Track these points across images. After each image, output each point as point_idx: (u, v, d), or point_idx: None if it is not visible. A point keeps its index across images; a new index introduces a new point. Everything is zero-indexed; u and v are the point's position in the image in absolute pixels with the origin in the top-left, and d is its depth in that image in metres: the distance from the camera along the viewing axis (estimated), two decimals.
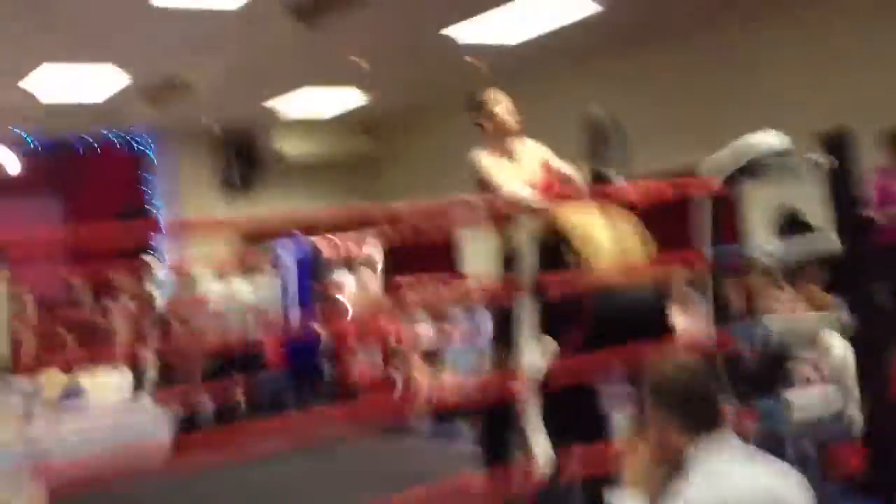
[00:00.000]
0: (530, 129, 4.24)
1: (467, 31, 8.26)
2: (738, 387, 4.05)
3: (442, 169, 11.33)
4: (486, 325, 7.27)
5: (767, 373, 4.82)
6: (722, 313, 4.08)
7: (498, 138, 4.16)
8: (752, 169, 3.89)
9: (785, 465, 2.37)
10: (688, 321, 6.33)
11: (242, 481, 5.26)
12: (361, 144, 12.22)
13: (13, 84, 8.72)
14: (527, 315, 3.68)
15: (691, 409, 2.30)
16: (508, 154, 4.15)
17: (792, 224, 6.77)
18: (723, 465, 2.26)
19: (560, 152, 4.06)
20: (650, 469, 2.39)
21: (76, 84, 8.92)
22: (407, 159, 12.33)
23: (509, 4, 7.60)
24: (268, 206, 11.95)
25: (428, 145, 11.94)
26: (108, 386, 7.28)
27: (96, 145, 11.32)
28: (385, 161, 12.67)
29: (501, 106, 4.20)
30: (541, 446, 3.57)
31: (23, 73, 8.51)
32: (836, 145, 3.63)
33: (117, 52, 8.04)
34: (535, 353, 3.65)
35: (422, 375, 7.13)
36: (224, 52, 8.35)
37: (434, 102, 11.18)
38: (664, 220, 8.06)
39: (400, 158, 12.41)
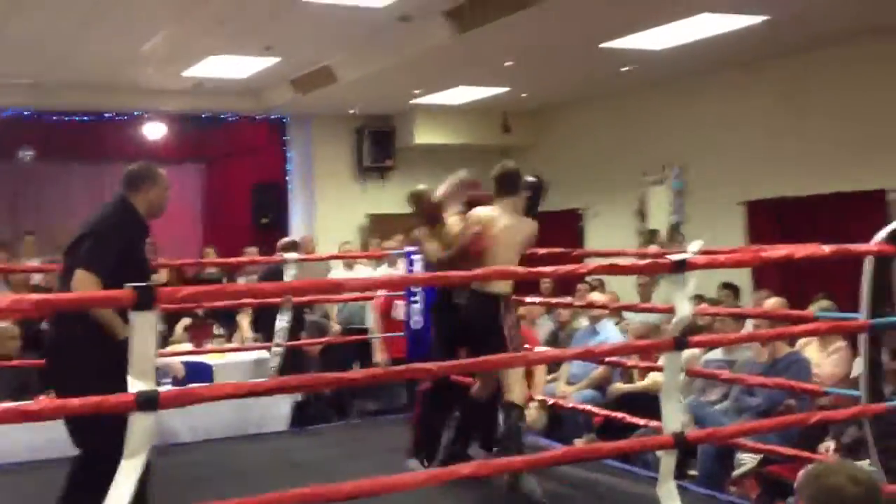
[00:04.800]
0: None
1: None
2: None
3: (572, 162, 11.38)
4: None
5: None
6: (877, 379, 3.87)
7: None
8: None
9: None
10: (829, 361, 6.08)
11: None
12: (496, 135, 12.11)
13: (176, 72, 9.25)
14: None
15: None
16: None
17: None
18: None
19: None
20: None
21: (226, 65, 9.15)
22: (539, 150, 12.28)
23: (678, 22, 7.46)
24: (400, 192, 12.05)
25: (560, 139, 11.95)
26: (233, 367, 7.45)
27: (238, 121, 11.63)
28: (518, 151, 12.59)
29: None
30: None
31: (188, 64, 9.00)
32: None
33: (269, 42, 8.27)
34: None
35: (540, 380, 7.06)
36: (373, 49, 8.45)
37: (570, 99, 11.26)
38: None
39: (532, 149, 12.35)
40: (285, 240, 8.40)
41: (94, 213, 4.15)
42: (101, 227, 3.96)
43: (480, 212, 4.93)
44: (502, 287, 4.83)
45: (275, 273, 7.34)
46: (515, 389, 4.77)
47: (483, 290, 4.79)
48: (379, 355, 7.47)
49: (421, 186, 5.38)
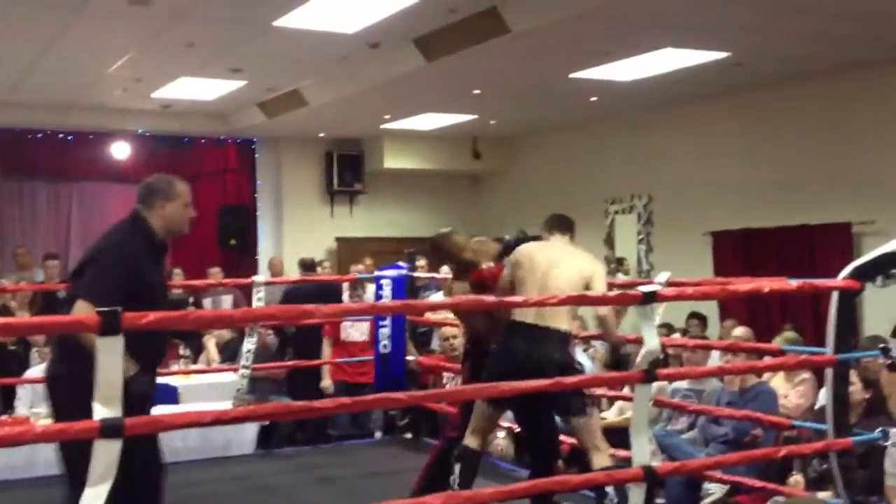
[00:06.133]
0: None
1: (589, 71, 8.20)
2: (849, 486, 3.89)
3: (541, 188, 11.42)
4: None
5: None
6: (842, 414, 3.89)
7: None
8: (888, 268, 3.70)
9: None
10: (794, 392, 6.11)
11: None
12: (465, 161, 12.14)
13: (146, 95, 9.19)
14: None
15: None
16: None
17: None
18: None
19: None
20: None
21: (195, 87, 9.11)
22: (508, 176, 12.34)
23: (643, 55, 7.56)
24: (369, 216, 12.05)
25: (529, 165, 12.03)
26: (199, 388, 7.34)
27: (206, 142, 11.55)
28: (487, 177, 12.67)
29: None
30: None
31: (157, 86, 8.94)
32: None
33: (239, 65, 8.24)
34: None
35: None
36: (343, 74, 8.47)
37: (539, 127, 11.32)
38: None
39: (502, 175, 12.42)
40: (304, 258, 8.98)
41: (104, 233, 3.74)
42: (106, 254, 3.57)
43: (521, 248, 4.66)
44: (567, 323, 4.34)
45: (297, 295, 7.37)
46: (603, 452, 4.14)
47: (547, 325, 4.22)
48: (326, 380, 7.40)
49: (445, 230, 4.94)
